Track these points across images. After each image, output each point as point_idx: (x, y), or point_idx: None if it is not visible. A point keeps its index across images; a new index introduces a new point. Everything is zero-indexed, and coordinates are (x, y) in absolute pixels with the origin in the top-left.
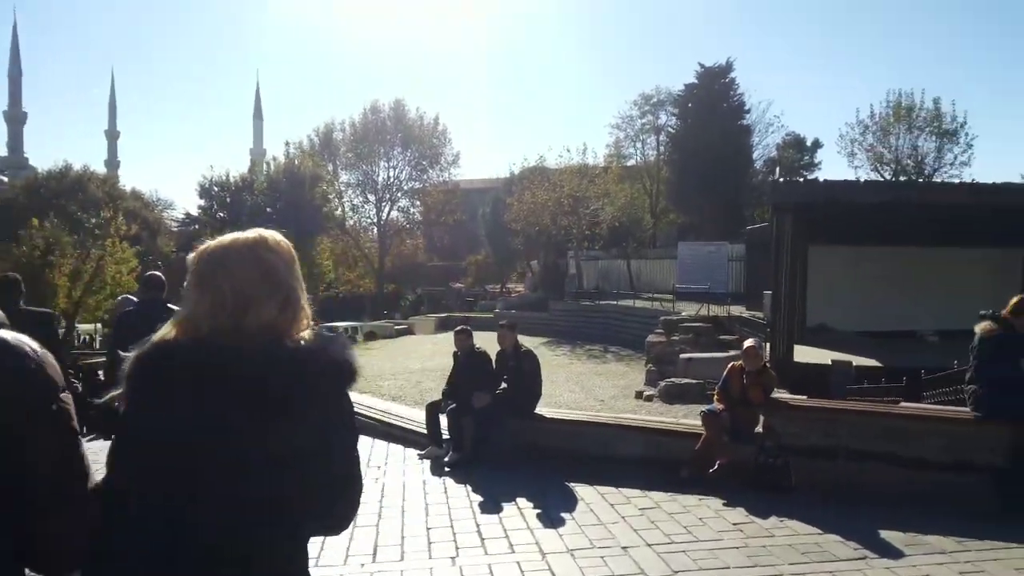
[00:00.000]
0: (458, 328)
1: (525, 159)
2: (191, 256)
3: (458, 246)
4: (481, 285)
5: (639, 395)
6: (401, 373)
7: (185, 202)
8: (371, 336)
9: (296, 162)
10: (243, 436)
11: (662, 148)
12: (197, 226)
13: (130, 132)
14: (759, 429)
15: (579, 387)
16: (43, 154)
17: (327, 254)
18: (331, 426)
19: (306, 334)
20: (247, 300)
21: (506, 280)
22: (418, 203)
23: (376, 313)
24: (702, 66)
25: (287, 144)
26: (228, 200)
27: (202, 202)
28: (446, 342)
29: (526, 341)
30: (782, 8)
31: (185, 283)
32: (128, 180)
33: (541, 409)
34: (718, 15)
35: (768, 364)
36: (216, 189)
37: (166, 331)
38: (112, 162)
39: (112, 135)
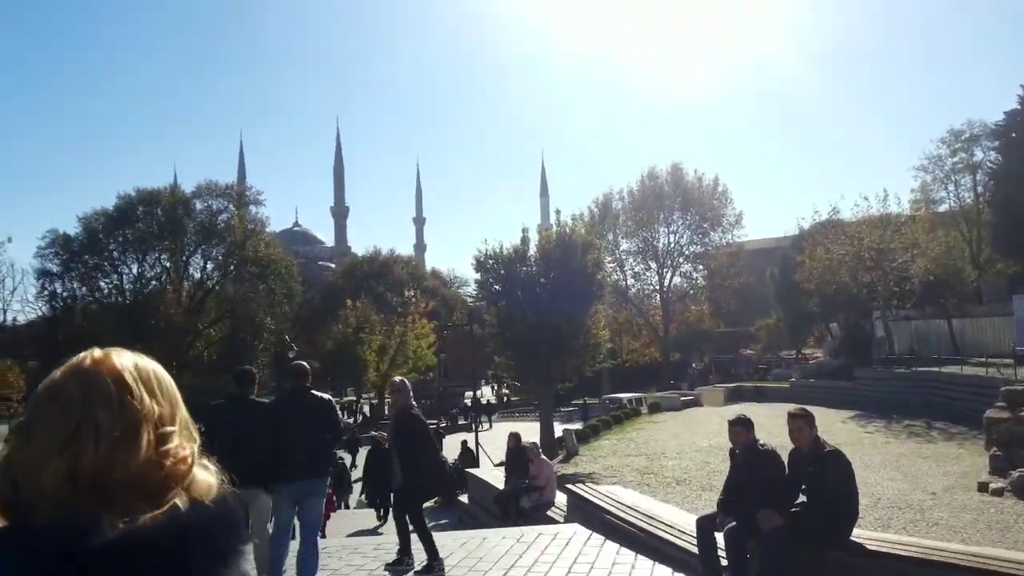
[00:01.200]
0: (733, 419)
1: (815, 212)
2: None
3: (745, 310)
4: (773, 352)
5: (983, 487)
6: (687, 451)
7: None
8: (655, 408)
9: (568, 230)
10: None
11: (980, 188)
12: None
13: (434, 217)
14: None
15: (900, 474)
16: (363, 243)
17: (603, 323)
18: None
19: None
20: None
21: (801, 345)
22: (701, 267)
23: (661, 383)
24: None
25: (557, 213)
26: (502, 272)
27: (478, 276)
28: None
29: (827, 415)
30: None
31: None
32: (432, 261)
33: (858, 531)
34: None
35: None
36: (491, 262)
37: None
38: (420, 246)
39: (419, 221)
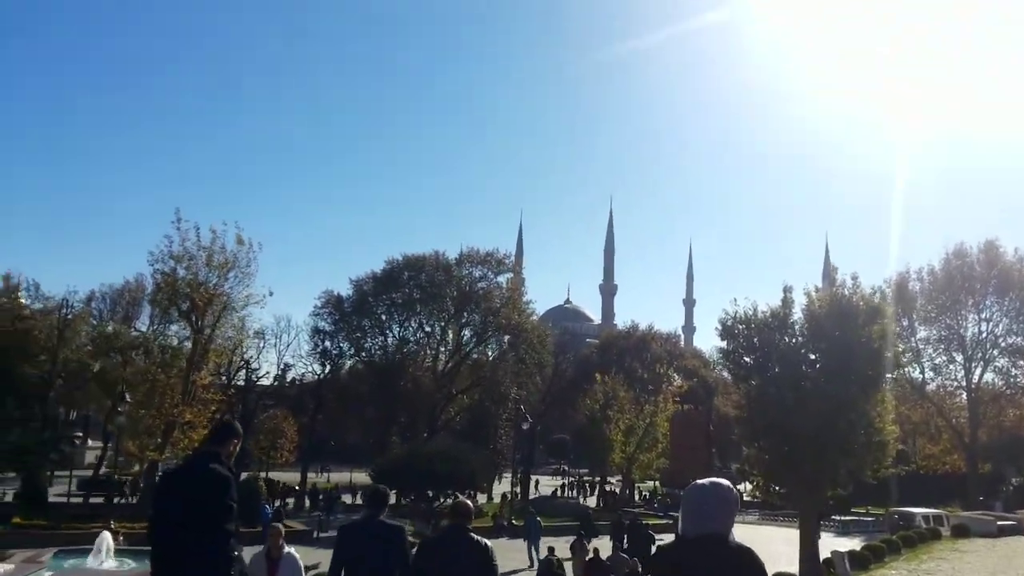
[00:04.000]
0: None
1: None
2: None
3: None
4: None
5: None
6: None
7: None
8: (961, 531)
9: (846, 291)
10: None
11: None
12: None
13: (705, 300)
14: None
15: None
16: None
17: (892, 417)
18: None
19: None
20: None
21: None
22: (1022, 363)
23: (968, 500)
24: None
25: (834, 270)
26: (755, 341)
27: (723, 344)
28: None
29: None
30: None
31: None
32: (701, 345)
33: None
34: None
35: None
36: (741, 327)
37: None
38: (688, 327)
39: (688, 303)
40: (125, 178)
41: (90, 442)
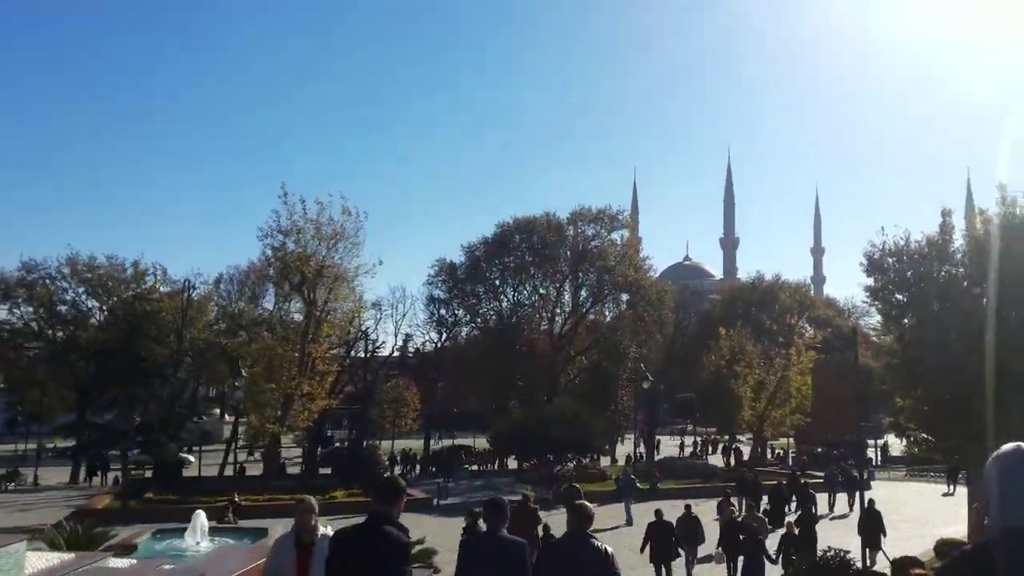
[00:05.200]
0: None
1: None
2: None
3: None
4: None
5: None
6: None
7: None
8: None
9: (1018, 211)
10: None
11: None
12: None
13: (836, 248)
14: None
15: None
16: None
17: None
18: None
19: None
20: None
21: None
22: None
23: None
24: None
25: (1001, 188)
26: (908, 275)
27: (870, 281)
28: None
29: None
30: None
31: None
32: (833, 293)
33: None
34: None
35: None
36: (891, 261)
37: None
38: (817, 278)
39: (817, 252)
40: (244, 167)
41: (227, 417)
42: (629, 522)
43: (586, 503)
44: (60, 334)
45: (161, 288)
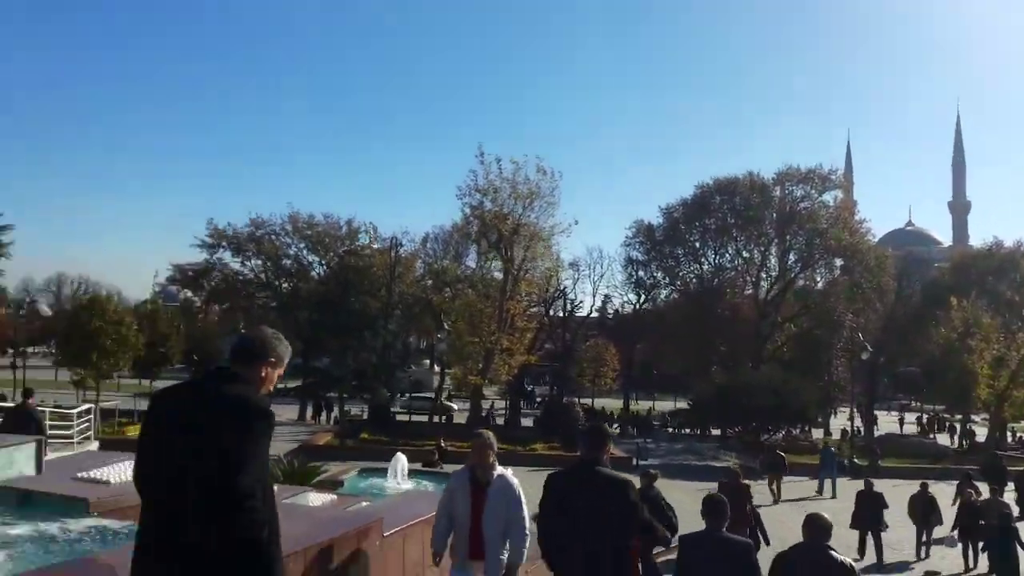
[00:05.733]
0: None
1: None
2: None
3: None
4: None
5: None
6: None
7: None
8: None
9: None
10: None
11: None
12: None
13: None
14: None
15: None
16: (988, 240)
17: None
18: None
19: None
20: None
21: None
22: None
23: None
24: None
25: None
26: None
27: None
28: None
29: None
30: None
31: None
32: None
33: None
34: None
35: None
36: None
37: None
38: None
39: None
40: (450, 133)
41: (435, 368)
42: (820, 492)
43: (820, 514)
44: (286, 285)
45: (374, 245)
